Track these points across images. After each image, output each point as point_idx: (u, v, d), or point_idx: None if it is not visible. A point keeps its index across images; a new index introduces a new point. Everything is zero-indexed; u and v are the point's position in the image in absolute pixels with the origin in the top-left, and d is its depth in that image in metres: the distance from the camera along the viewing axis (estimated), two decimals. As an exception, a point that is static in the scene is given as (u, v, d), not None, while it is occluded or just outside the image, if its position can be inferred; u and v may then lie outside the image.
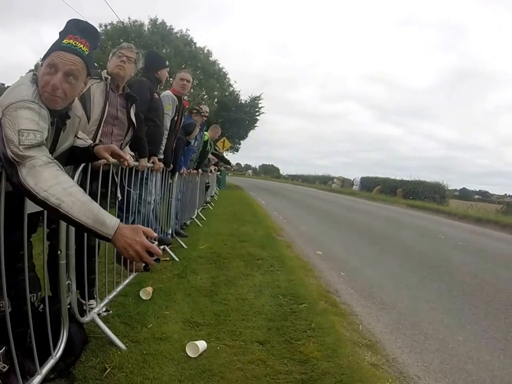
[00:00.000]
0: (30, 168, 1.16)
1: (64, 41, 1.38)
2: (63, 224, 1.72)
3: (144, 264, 1.21)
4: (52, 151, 1.49)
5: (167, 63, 3.72)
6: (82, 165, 1.84)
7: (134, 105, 2.72)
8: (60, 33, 1.43)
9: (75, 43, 1.38)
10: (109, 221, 1.16)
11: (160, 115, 3.51)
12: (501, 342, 2.84)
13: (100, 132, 2.49)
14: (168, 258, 3.95)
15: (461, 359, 2.52)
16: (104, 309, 2.45)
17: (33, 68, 17.36)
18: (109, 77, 2.55)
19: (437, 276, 4.60)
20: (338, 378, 2.00)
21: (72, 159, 1.75)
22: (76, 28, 1.43)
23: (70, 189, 1.18)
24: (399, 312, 3.30)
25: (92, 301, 2.26)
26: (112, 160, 1.90)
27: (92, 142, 1.92)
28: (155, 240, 1.22)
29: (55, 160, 1.27)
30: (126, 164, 2.09)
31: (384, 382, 2.07)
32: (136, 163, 2.90)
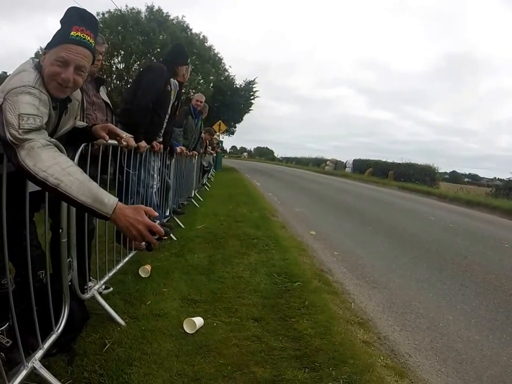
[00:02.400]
0: (28, 150, 1.17)
1: (72, 33, 1.36)
2: (64, 203, 1.71)
3: (146, 244, 1.22)
4: (53, 133, 1.49)
5: (188, 60, 3.77)
6: (82, 145, 1.82)
7: (103, 86, 2.70)
8: (62, 22, 1.40)
9: (83, 36, 1.38)
10: (107, 200, 1.16)
11: (165, 107, 3.50)
12: (490, 322, 2.91)
13: (85, 120, 2.47)
14: (166, 237, 3.96)
15: (450, 337, 2.60)
16: (104, 287, 2.47)
17: (33, 56, 16.92)
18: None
19: (427, 257, 4.69)
20: (331, 355, 2.05)
21: (72, 139, 1.74)
22: (79, 18, 1.40)
23: (68, 168, 1.18)
24: (390, 291, 3.37)
25: (90, 283, 2.27)
26: (108, 138, 1.89)
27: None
28: (157, 219, 1.22)
29: (53, 142, 1.27)
30: (123, 142, 2.08)
31: (376, 359, 2.13)
32: (135, 144, 2.88)
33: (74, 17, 1.40)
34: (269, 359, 1.97)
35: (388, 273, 3.88)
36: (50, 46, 1.39)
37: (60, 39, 1.38)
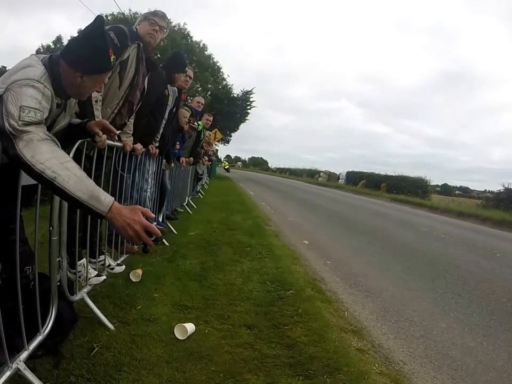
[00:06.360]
0: (27, 142, 1.16)
1: (111, 59, 1.49)
2: (56, 200, 1.69)
3: (143, 246, 1.21)
4: (49, 130, 1.47)
5: (186, 68, 3.78)
6: (78, 142, 1.81)
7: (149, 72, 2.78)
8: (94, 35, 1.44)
9: (112, 59, 1.50)
10: (103, 198, 1.15)
11: (162, 112, 3.50)
12: (483, 329, 2.92)
13: (128, 98, 2.53)
14: (158, 242, 3.92)
15: (445, 345, 2.59)
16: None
17: (34, 52, 17.10)
18: (140, 43, 2.56)
19: (420, 266, 4.70)
20: (326, 363, 2.02)
21: (67, 136, 1.72)
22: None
23: (66, 163, 1.17)
24: (384, 299, 3.36)
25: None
26: (102, 134, 1.89)
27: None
28: (153, 220, 1.20)
29: (52, 137, 1.26)
30: (117, 138, 2.07)
31: (371, 367, 2.10)
32: (131, 146, 2.86)
33: (107, 37, 1.53)
34: (262, 366, 1.93)
35: (381, 283, 3.87)
36: (86, 69, 1.45)
37: (99, 65, 1.47)
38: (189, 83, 4.30)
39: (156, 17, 2.64)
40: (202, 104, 6.02)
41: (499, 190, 17.12)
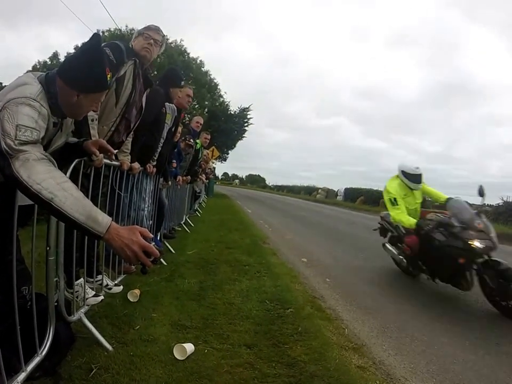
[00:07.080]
0: (23, 161, 1.15)
1: (108, 77, 1.50)
2: (53, 220, 1.70)
3: (141, 267, 1.20)
4: (45, 149, 1.49)
5: (182, 83, 3.81)
6: (75, 161, 1.82)
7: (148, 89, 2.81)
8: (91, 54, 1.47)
9: (109, 77, 1.51)
10: (101, 218, 1.14)
11: (160, 129, 3.53)
12: (485, 343, 2.90)
13: (125, 115, 2.56)
14: (156, 262, 3.90)
15: (446, 359, 2.56)
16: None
17: (31, 68, 17.36)
18: (137, 60, 2.59)
19: (420, 282, 4.64)
20: (327, 381, 2.00)
21: (64, 156, 1.74)
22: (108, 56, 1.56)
23: (63, 184, 1.16)
24: (384, 316, 3.33)
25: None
26: (99, 153, 1.90)
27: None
28: (152, 240, 1.20)
29: (49, 157, 1.26)
30: (114, 157, 2.09)
31: (372, 384, 2.07)
32: (129, 165, 2.88)
33: (105, 55, 1.53)
34: (263, 386, 1.90)
35: (381, 299, 3.85)
36: (80, 88, 1.46)
37: (95, 84, 1.49)
38: (190, 103, 4.33)
39: (150, 31, 2.68)
40: (201, 124, 6.11)
41: (498, 204, 17.13)
